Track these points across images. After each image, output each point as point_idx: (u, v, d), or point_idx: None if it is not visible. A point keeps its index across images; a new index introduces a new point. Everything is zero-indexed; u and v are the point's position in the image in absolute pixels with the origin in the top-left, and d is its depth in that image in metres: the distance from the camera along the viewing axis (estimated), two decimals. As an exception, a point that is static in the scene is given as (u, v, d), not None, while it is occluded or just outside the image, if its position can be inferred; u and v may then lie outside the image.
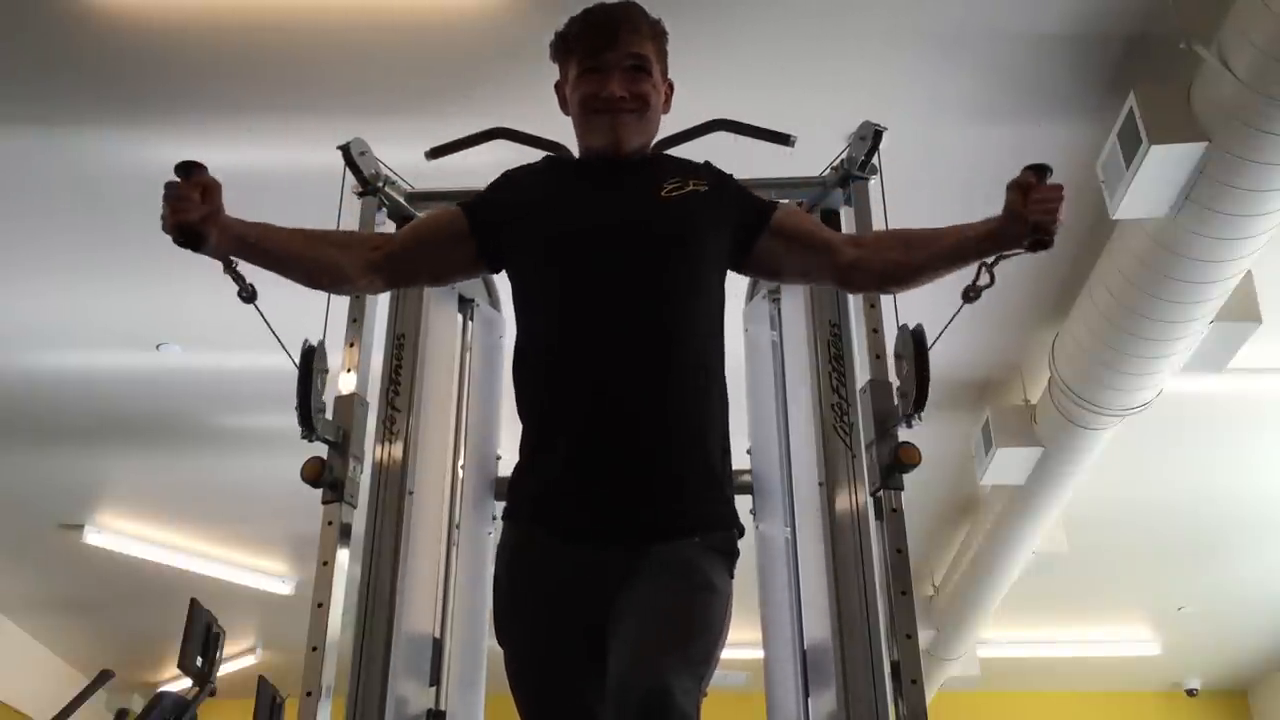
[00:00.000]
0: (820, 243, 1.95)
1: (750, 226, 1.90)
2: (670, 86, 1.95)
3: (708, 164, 1.98)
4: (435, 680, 2.48)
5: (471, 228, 1.90)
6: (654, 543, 1.69)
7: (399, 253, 1.93)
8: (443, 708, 2.48)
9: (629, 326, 1.77)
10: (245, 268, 1.84)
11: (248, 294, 1.87)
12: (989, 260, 1.84)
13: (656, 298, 1.79)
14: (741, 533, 1.80)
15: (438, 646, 2.52)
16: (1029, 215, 1.74)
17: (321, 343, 2.36)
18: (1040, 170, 1.76)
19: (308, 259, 1.87)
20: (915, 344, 2.25)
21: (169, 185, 1.69)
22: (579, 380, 1.76)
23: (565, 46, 1.90)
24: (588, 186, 1.91)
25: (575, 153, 2.00)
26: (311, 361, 2.30)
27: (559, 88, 1.94)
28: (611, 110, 1.85)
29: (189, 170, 1.70)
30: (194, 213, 1.69)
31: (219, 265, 1.81)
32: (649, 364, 1.75)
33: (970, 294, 1.88)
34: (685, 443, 1.75)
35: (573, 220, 1.85)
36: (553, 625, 1.71)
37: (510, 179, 1.97)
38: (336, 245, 1.94)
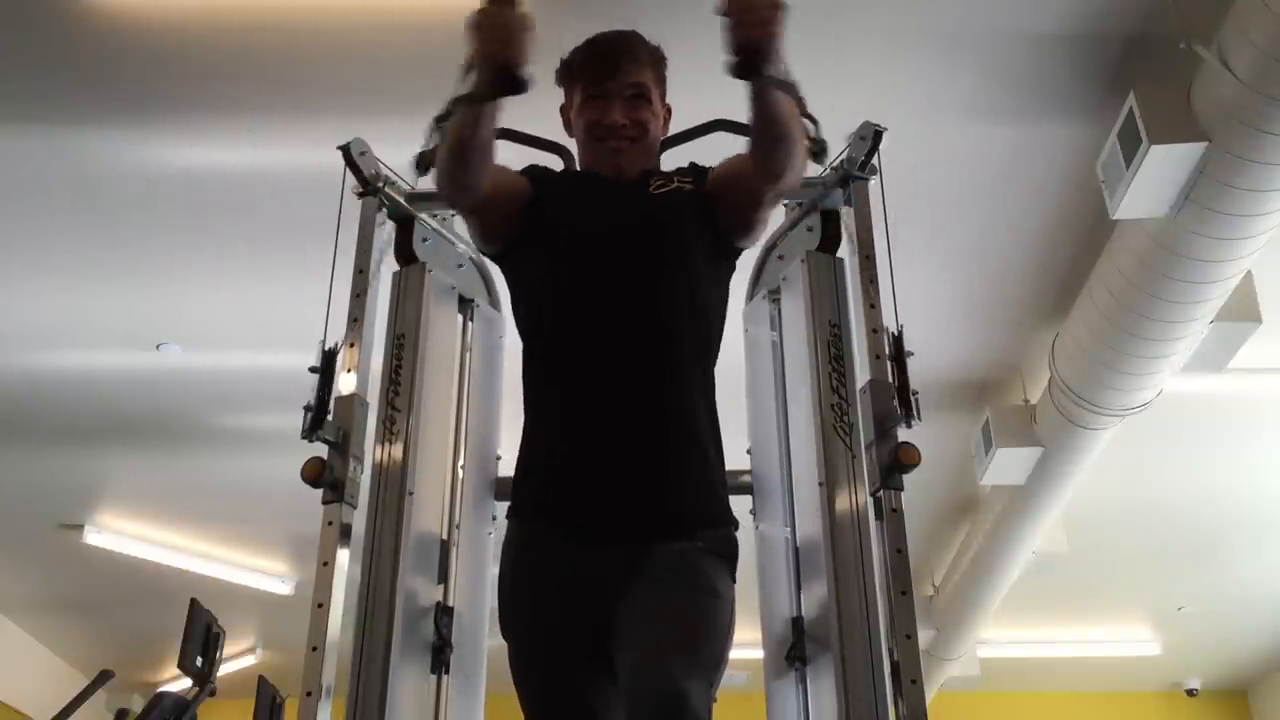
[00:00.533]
0: (739, 174, 1.92)
1: (703, 202, 1.94)
2: (669, 110, 2.01)
3: (696, 165, 2.03)
4: (435, 685, 2.48)
5: (531, 198, 1.94)
6: (655, 542, 1.70)
7: (492, 188, 1.89)
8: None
9: (626, 326, 1.79)
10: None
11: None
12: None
13: (651, 296, 1.82)
14: (737, 526, 1.82)
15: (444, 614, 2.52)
16: (730, 34, 1.58)
17: (336, 344, 2.37)
18: None
19: (486, 155, 1.79)
20: (893, 348, 2.27)
21: (496, 12, 1.52)
22: (578, 380, 1.77)
23: (569, 74, 1.98)
24: (590, 193, 1.97)
25: (575, 154, 2.04)
26: (333, 363, 2.31)
27: (564, 111, 2.01)
28: (612, 137, 1.91)
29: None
30: (526, 55, 1.53)
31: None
32: (646, 363, 1.77)
33: (814, 151, 1.77)
34: (682, 440, 1.77)
35: (575, 224, 1.89)
36: (556, 623, 1.73)
37: (541, 173, 2.03)
38: (494, 170, 1.87)
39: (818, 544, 2.39)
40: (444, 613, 2.46)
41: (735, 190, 1.93)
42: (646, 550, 1.70)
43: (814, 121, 1.72)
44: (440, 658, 2.40)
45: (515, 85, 1.44)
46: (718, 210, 1.93)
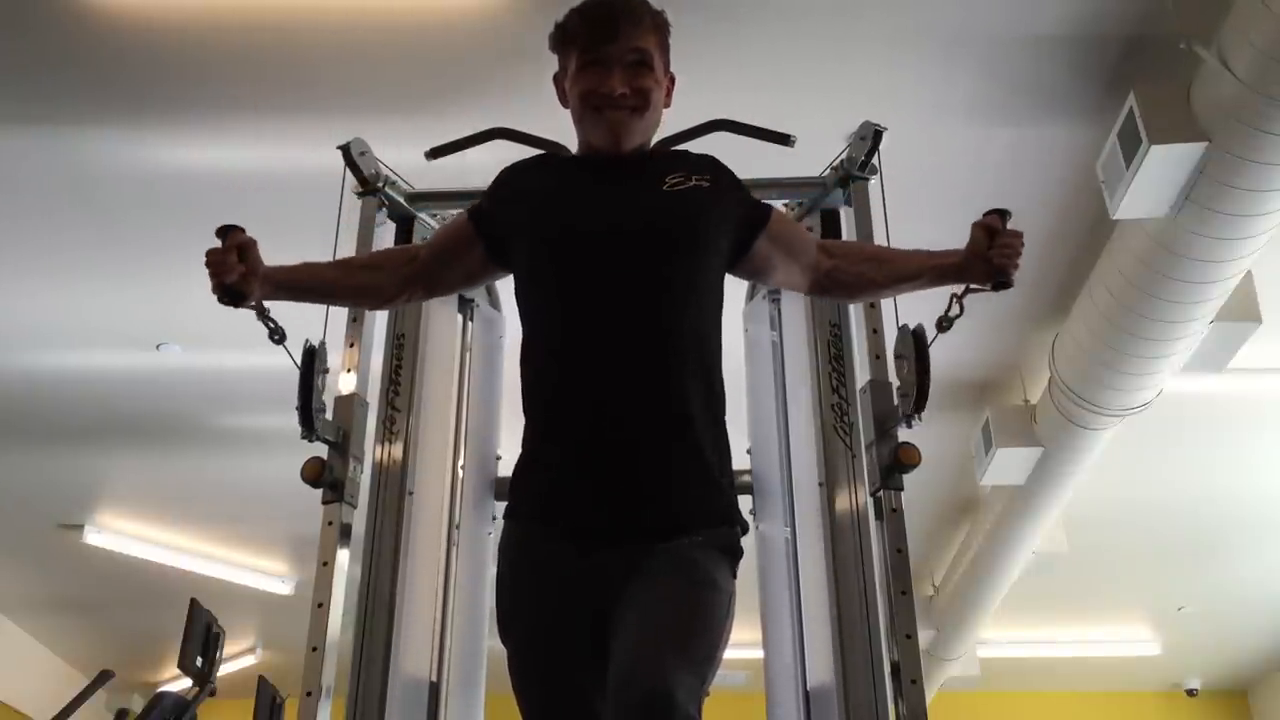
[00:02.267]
0: (803, 248, 1.99)
1: (750, 227, 1.91)
2: (672, 80, 1.92)
3: (712, 158, 1.97)
4: (435, 684, 2.48)
5: (477, 231, 1.93)
6: (656, 541, 1.69)
7: (427, 264, 1.99)
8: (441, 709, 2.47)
9: (630, 324, 1.77)
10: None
11: (279, 336, 2.00)
12: (959, 293, 1.93)
13: (657, 294, 1.78)
14: (745, 529, 1.80)
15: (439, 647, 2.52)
16: (994, 259, 1.81)
17: (322, 343, 2.36)
18: (1003, 214, 1.85)
19: (349, 288, 2.02)
20: (916, 344, 2.24)
21: (210, 252, 1.81)
22: (580, 378, 1.76)
23: (564, 38, 1.87)
24: (589, 182, 1.90)
25: (574, 149, 2.00)
26: (314, 362, 2.30)
27: (557, 80, 1.92)
28: (611, 107, 1.82)
29: (226, 233, 1.82)
30: (233, 274, 1.79)
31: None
32: (649, 362, 1.75)
33: (943, 324, 1.99)
34: (685, 441, 1.75)
35: (574, 216, 1.84)
36: (555, 623, 1.72)
37: (509, 177, 1.97)
38: (370, 268, 2.05)
39: (818, 544, 2.40)
40: None
41: (790, 259, 1.97)
42: (646, 549, 1.69)
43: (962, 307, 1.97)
44: None
45: (236, 301, 1.82)
46: (761, 248, 1.93)
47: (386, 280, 1.99)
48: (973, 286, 1.88)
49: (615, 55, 1.81)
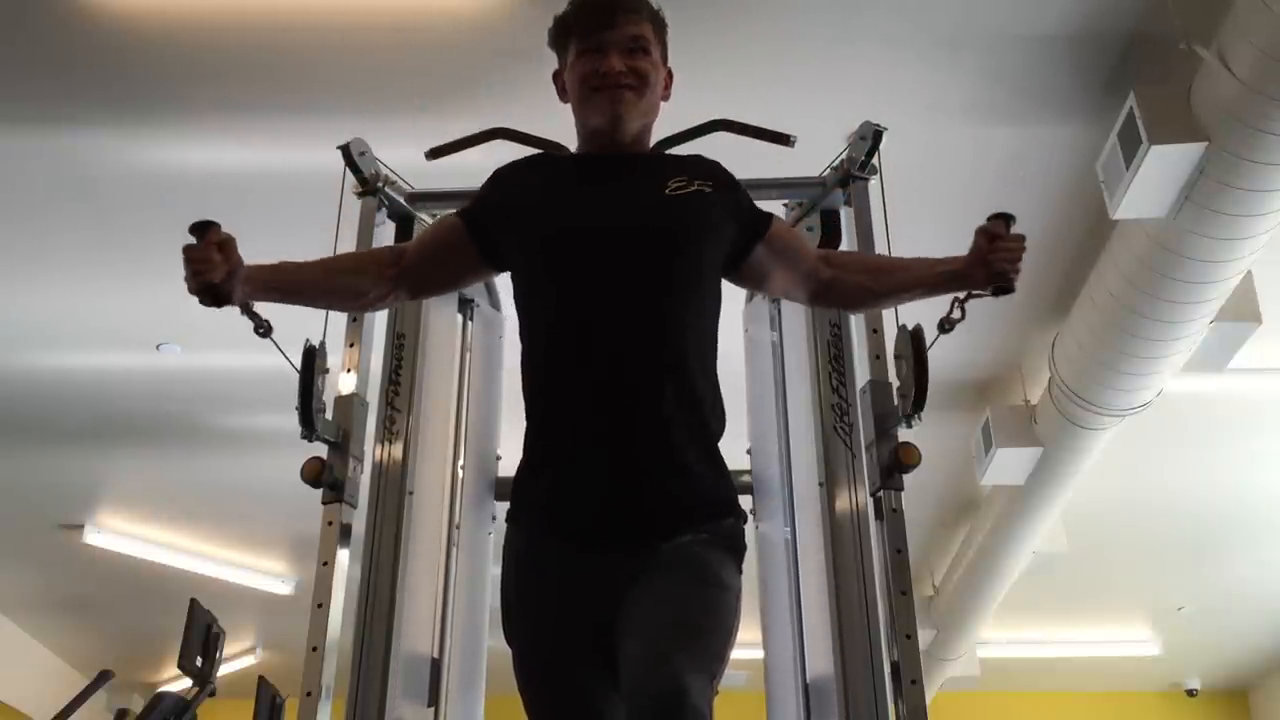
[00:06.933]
0: (803, 259, 1.99)
1: (749, 235, 1.91)
2: (670, 75, 1.94)
3: (714, 164, 1.97)
4: (434, 685, 2.48)
5: (470, 233, 1.91)
6: (660, 539, 1.70)
7: (413, 267, 1.94)
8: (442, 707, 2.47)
9: (628, 325, 1.76)
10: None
11: (264, 329, 1.91)
12: (961, 297, 1.93)
13: (657, 294, 1.78)
14: (745, 518, 1.81)
15: (438, 654, 2.51)
16: (994, 264, 1.83)
17: (322, 343, 2.36)
18: (1006, 219, 1.87)
19: (331, 289, 1.93)
20: (914, 344, 2.24)
21: (187, 249, 1.71)
22: (578, 380, 1.76)
23: (563, 30, 1.90)
24: (586, 180, 1.90)
25: (574, 149, 2.00)
26: (313, 362, 2.29)
27: (557, 76, 1.93)
28: (611, 86, 1.83)
29: (204, 230, 1.71)
30: (217, 273, 1.70)
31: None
32: (648, 364, 1.75)
33: (944, 326, 1.99)
34: (685, 442, 1.75)
35: (571, 218, 1.84)
36: (560, 626, 1.72)
37: (502, 177, 1.96)
38: (353, 271, 1.96)
39: (818, 544, 2.40)
40: None
41: (790, 268, 1.97)
42: (651, 549, 1.69)
43: None
44: None
45: (219, 301, 1.72)
46: (759, 257, 1.93)
47: (370, 284, 1.92)
48: (974, 292, 1.89)
49: (613, 41, 1.84)
